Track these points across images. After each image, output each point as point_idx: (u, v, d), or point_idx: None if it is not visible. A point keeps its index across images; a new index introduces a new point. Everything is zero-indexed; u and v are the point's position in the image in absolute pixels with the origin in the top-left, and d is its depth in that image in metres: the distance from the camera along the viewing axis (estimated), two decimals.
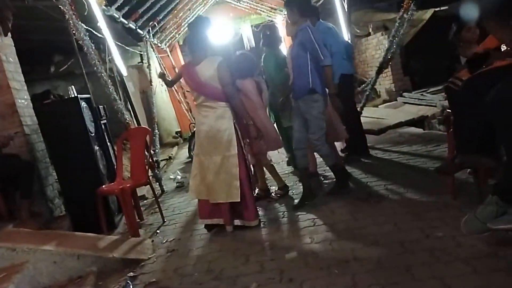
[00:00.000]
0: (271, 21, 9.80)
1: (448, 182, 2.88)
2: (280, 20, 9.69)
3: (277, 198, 3.78)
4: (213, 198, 3.15)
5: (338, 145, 4.36)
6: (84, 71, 5.14)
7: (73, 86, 3.97)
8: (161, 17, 7.76)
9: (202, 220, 3.31)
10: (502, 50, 2.27)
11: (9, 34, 3.99)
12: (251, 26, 10.25)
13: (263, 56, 4.18)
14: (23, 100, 3.98)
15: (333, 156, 3.57)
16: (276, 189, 3.90)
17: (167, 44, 9.40)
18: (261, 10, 9.76)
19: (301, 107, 3.39)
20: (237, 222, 3.21)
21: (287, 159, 4.80)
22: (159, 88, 9.39)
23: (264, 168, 3.90)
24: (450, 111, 2.71)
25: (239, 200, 3.09)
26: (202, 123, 3.18)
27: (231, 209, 3.17)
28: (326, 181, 3.97)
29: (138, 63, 9.36)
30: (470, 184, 2.95)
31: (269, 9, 9.68)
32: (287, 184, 3.96)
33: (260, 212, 3.44)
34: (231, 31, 10.27)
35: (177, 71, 4.31)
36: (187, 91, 7.63)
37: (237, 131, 3.15)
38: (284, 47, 4.96)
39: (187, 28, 3.35)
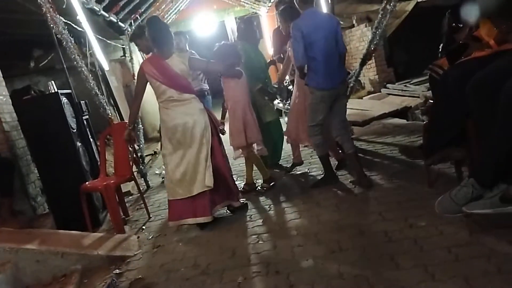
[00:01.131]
0: (255, 13, 9.74)
1: (426, 172, 2.92)
2: (264, 12, 9.64)
3: (263, 191, 3.78)
4: (190, 190, 3.12)
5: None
6: (65, 66, 5.02)
7: (53, 81, 3.89)
8: (143, 10, 7.62)
9: (172, 222, 3.24)
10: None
11: None
12: (235, 18, 10.17)
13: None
14: (1, 97, 3.89)
15: (323, 148, 3.57)
16: (262, 182, 3.90)
17: None
18: (245, 2, 9.68)
19: None
20: (221, 205, 3.28)
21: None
22: None
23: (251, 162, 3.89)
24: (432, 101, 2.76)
25: (212, 186, 3.09)
26: (174, 118, 3.14)
27: (211, 198, 3.16)
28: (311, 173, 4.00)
29: (121, 56, 9.18)
30: (453, 173, 3.00)
31: (253, 1, 9.61)
32: (272, 177, 3.96)
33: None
34: (215, 23, 10.19)
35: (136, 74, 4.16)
36: None
37: (211, 120, 3.25)
38: (266, 41, 4.93)
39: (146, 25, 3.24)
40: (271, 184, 3.83)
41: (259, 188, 3.85)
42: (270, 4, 9.26)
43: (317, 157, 3.69)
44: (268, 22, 9.66)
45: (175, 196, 3.19)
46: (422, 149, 2.87)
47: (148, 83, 3.18)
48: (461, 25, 3.18)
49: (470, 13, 2.42)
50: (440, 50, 3.50)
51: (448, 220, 2.38)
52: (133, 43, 5.13)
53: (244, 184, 3.93)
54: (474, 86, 1.97)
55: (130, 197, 4.67)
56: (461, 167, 2.79)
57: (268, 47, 8.82)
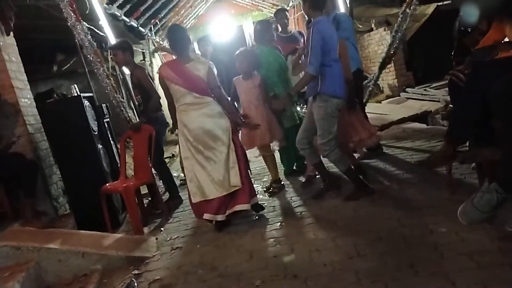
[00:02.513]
0: (272, 17, 9.77)
1: (446, 178, 2.87)
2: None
3: (276, 192, 3.80)
4: (215, 193, 3.15)
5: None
6: (86, 70, 5.15)
7: (75, 85, 3.98)
8: (162, 15, 7.76)
9: (205, 215, 3.20)
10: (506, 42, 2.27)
11: (11, 33, 4.00)
12: (253, 22, 10.23)
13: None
14: (26, 99, 3.99)
15: (345, 161, 3.30)
16: (271, 181, 3.93)
17: None
18: (262, 7, 9.73)
19: (312, 107, 3.26)
20: (240, 207, 3.22)
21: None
22: None
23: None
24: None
25: (240, 186, 3.15)
26: (194, 120, 3.18)
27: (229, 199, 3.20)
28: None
29: (141, 61, 9.35)
30: (474, 178, 2.94)
31: (270, 5, 9.65)
32: (281, 179, 3.97)
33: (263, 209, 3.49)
34: (233, 28, 10.26)
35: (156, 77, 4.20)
36: None
37: (230, 121, 3.27)
38: None
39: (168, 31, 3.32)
40: (281, 184, 3.88)
41: (272, 189, 3.88)
42: (288, 8, 9.28)
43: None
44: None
45: (201, 197, 3.19)
46: (430, 162, 2.84)
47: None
48: (470, 29, 3.13)
49: (474, 16, 2.39)
50: (452, 55, 3.45)
51: (469, 226, 2.34)
52: (153, 47, 5.25)
53: (271, 183, 3.95)
54: (501, 89, 1.93)
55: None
56: (484, 172, 2.74)
57: None
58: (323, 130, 3.19)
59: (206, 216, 3.19)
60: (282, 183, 3.96)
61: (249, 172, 3.44)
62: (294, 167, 4.40)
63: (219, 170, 3.15)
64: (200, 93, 3.18)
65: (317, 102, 3.18)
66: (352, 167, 3.43)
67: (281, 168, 4.48)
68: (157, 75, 3.38)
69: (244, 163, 3.30)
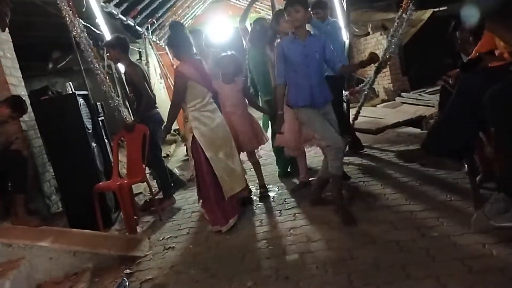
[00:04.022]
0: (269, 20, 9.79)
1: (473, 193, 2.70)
2: None
3: (266, 196, 3.80)
4: (235, 188, 3.27)
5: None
6: (82, 68, 5.12)
7: (70, 83, 3.96)
8: (160, 14, 7.75)
9: (223, 226, 3.15)
10: (495, 53, 2.29)
11: (7, 29, 3.98)
12: (250, 24, 10.23)
13: (248, 55, 4.06)
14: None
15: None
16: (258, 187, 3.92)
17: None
18: (260, 9, 9.74)
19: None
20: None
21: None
22: (157, 86, 9.38)
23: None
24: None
25: (245, 184, 3.45)
26: (214, 119, 3.25)
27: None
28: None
29: (137, 60, 9.32)
30: (466, 183, 2.96)
31: (268, 7, 9.66)
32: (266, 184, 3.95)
33: (256, 211, 3.51)
34: (230, 28, 10.26)
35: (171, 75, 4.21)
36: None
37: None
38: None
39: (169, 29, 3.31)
40: (267, 191, 3.87)
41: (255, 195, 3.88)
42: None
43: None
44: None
45: (234, 191, 3.26)
46: (422, 148, 2.83)
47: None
48: (460, 32, 3.16)
49: (469, 14, 2.40)
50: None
51: (462, 231, 2.36)
52: (149, 47, 5.23)
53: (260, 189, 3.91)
54: (493, 98, 1.95)
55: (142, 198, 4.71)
56: (476, 177, 2.76)
57: None
58: (315, 134, 3.19)
59: (225, 227, 3.16)
60: (268, 190, 3.92)
61: None
62: (288, 169, 4.41)
63: (235, 167, 3.29)
64: (212, 93, 3.34)
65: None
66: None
67: (275, 170, 4.50)
68: (176, 74, 3.20)
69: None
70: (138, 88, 4.01)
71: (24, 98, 3.77)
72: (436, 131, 2.57)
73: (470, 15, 2.25)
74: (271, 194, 3.88)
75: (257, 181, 3.92)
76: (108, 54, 4.14)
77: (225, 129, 3.32)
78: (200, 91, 3.20)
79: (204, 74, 3.25)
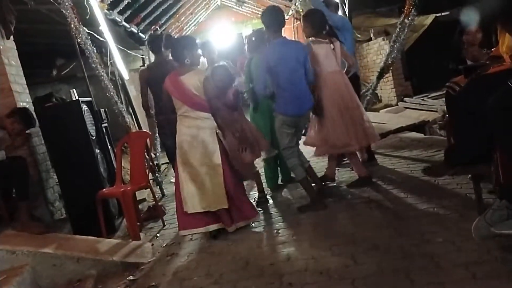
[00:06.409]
0: None
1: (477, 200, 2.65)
2: None
3: (263, 201, 3.79)
4: (203, 206, 3.12)
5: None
6: (85, 75, 5.15)
7: (74, 90, 3.99)
8: (163, 21, 7.80)
9: (183, 231, 3.20)
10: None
11: (12, 37, 4.01)
12: (253, 30, 10.29)
13: (248, 61, 4.06)
14: (24, 103, 4.00)
15: (299, 171, 3.44)
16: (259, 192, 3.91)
17: None
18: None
19: None
20: (239, 224, 3.21)
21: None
22: None
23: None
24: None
25: (227, 207, 3.10)
26: (183, 133, 3.17)
27: (229, 213, 3.17)
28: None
29: (140, 66, 9.37)
30: (470, 188, 2.94)
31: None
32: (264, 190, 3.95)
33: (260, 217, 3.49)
34: (233, 35, 10.32)
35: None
36: None
37: (220, 141, 3.18)
38: None
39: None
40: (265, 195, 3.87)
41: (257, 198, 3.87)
42: (287, 17, 9.34)
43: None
44: (286, 34, 9.72)
45: (194, 209, 3.11)
46: (427, 173, 2.88)
47: None
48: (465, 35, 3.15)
49: (471, 18, 2.41)
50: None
51: (466, 236, 2.34)
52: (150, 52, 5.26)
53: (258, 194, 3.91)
54: (496, 104, 1.94)
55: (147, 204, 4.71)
56: (480, 183, 2.74)
57: None
58: (279, 140, 3.53)
59: (196, 230, 3.18)
60: (266, 195, 3.93)
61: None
62: (292, 175, 4.40)
63: (203, 187, 3.10)
64: (192, 107, 3.15)
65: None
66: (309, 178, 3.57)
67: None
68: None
69: (234, 185, 3.19)
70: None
71: (30, 110, 3.80)
72: (455, 142, 2.57)
73: (472, 18, 2.26)
74: (271, 201, 3.88)
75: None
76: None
77: (197, 149, 3.13)
78: (175, 102, 3.20)
79: (179, 88, 3.16)
